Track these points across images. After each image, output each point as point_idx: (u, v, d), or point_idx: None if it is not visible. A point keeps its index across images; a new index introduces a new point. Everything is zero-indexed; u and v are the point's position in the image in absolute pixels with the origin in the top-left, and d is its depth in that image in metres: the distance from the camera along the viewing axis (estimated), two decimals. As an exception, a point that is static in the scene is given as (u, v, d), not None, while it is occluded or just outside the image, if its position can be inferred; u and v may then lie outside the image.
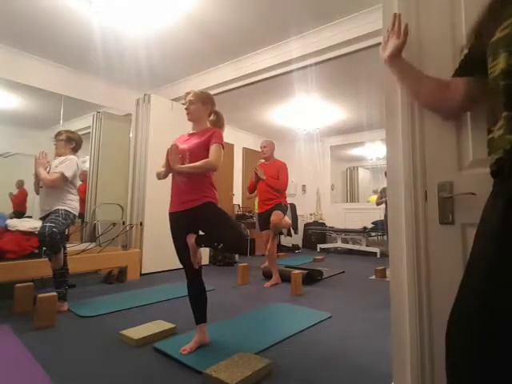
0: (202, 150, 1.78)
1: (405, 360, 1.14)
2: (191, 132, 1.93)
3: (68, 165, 2.52)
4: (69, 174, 2.50)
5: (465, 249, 1.03)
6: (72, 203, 2.54)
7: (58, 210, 2.45)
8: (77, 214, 2.60)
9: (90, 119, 4.46)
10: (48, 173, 2.51)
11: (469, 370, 0.61)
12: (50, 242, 2.29)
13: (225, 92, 4.28)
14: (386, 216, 4.27)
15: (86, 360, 1.71)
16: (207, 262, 4.78)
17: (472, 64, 0.83)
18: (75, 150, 2.70)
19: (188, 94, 1.90)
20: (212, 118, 1.98)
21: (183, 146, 1.83)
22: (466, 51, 0.84)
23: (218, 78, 4.17)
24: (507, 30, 0.64)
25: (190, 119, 1.90)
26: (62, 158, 2.58)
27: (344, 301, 2.90)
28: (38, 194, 2.62)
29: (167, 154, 1.73)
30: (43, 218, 2.48)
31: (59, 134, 2.67)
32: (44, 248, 2.40)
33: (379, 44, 1.27)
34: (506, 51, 0.64)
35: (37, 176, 2.53)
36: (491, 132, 0.68)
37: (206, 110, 1.91)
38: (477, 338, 0.60)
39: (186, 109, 1.88)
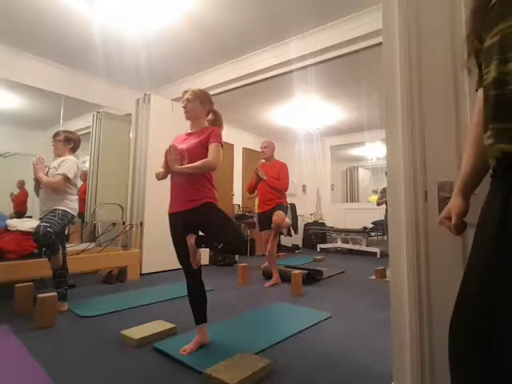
0: (201, 150, 1.77)
1: (405, 360, 1.14)
2: (189, 131, 1.92)
3: (69, 166, 2.52)
4: (71, 175, 2.51)
5: (465, 249, 1.03)
6: (70, 203, 2.54)
7: (56, 209, 2.45)
8: (75, 214, 2.59)
9: (90, 119, 4.46)
10: (46, 174, 2.51)
11: (470, 372, 0.61)
12: (44, 241, 2.28)
13: (225, 92, 4.28)
14: (386, 216, 4.27)
15: (86, 360, 1.70)
16: (207, 262, 4.78)
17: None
18: (74, 150, 2.70)
19: (186, 92, 1.89)
20: (210, 117, 1.97)
21: (182, 145, 1.82)
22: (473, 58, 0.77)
23: (218, 78, 4.17)
24: (498, 36, 0.63)
25: (187, 118, 1.89)
26: (61, 159, 2.57)
27: (344, 301, 2.90)
28: (38, 196, 2.62)
29: (166, 155, 1.73)
30: (42, 219, 2.48)
31: (57, 134, 2.66)
32: (44, 248, 2.40)
33: (379, 44, 1.27)
34: (497, 59, 0.63)
35: (37, 180, 2.53)
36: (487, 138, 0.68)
37: (204, 109, 1.90)
38: (477, 339, 0.60)
39: (183, 107, 1.87)
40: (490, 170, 0.68)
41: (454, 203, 0.81)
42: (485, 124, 0.67)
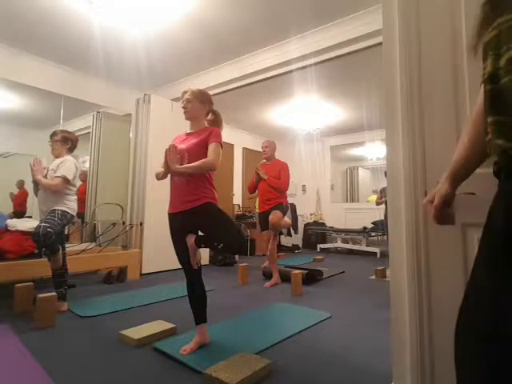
0: (200, 150, 1.77)
1: (405, 360, 1.14)
2: (189, 131, 1.92)
3: (68, 167, 2.52)
4: (70, 176, 2.51)
5: (465, 249, 1.03)
6: (69, 203, 2.54)
7: (55, 210, 2.44)
8: (74, 214, 2.59)
9: (90, 119, 4.46)
10: (45, 176, 2.50)
11: (479, 375, 0.61)
12: (44, 241, 2.28)
13: (225, 92, 4.28)
14: (386, 216, 4.27)
15: (86, 360, 1.70)
16: (207, 262, 4.78)
17: None
18: (71, 150, 2.69)
19: (185, 92, 1.88)
20: (210, 117, 1.96)
21: (181, 146, 1.82)
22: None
23: (218, 77, 4.17)
24: (495, 31, 0.63)
25: (187, 118, 1.89)
26: (59, 160, 2.56)
27: (344, 301, 2.90)
28: (37, 196, 2.62)
29: (165, 155, 1.73)
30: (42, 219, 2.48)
31: (54, 134, 2.65)
32: (44, 248, 2.40)
33: (379, 44, 1.27)
34: (492, 54, 0.63)
35: (35, 182, 2.52)
36: (487, 134, 0.68)
37: (203, 109, 1.90)
38: (481, 344, 0.59)
39: (183, 107, 1.86)
40: (494, 167, 0.67)
41: (440, 188, 0.81)
42: (484, 119, 0.67)
